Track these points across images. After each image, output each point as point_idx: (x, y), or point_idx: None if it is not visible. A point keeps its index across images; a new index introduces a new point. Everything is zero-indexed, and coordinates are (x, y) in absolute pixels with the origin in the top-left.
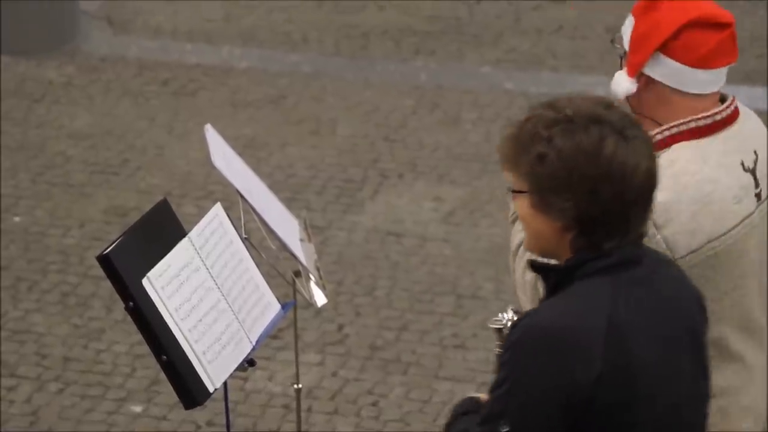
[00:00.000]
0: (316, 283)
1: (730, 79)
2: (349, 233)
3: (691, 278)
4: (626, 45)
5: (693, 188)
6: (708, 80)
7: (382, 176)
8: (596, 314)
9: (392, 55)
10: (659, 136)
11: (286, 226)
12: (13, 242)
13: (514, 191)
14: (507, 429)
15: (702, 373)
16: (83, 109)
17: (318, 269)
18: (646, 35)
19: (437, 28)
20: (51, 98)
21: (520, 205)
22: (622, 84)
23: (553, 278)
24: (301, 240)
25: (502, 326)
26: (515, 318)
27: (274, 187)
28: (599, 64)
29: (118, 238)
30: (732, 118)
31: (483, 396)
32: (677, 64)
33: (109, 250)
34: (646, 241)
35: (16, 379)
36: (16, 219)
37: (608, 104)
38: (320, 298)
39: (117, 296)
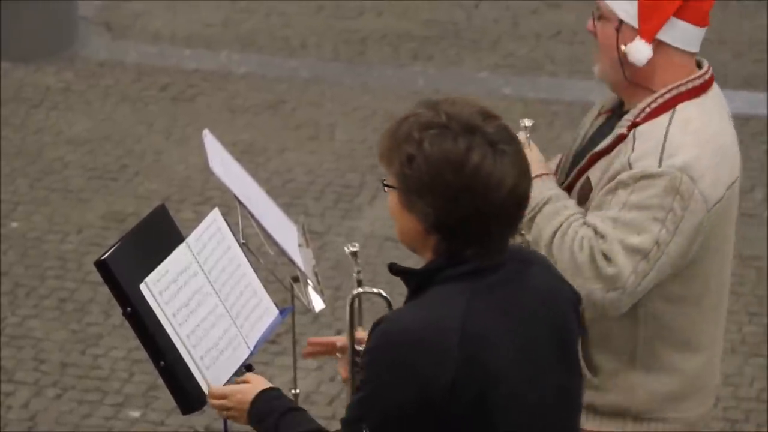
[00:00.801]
0: (314, 289)
1: (730, 84)
2: (348, 239)
3: (713, 227)
4: (624, 15)
5: (713, 141)
6: (702, 37)
7: (381, 181)
8: (451, 321)
9: (390, 61)
10: (660, 100)
11: (285, 232)
12: (11, 248)
13: (385, 185)
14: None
15: (570, 370)
16: (81, 114)
17: (316, 274)
18: (658, 2)
19: (435, 33)
20: (49, 104)
21: (391, 199)
22: (643, 52)
23: (413, 282)
24: (300, 245)
25: (357, 249)
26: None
27: (272, 192)
28: None
29: (115, 244)
30: (713, 78)
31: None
32: (689, 26)
33: (106, 255)
34: (685, 198)
35: (14, 385)
36: (14, 225)
37: (488, 115)
38: (318, 304)
39: (115, 302)
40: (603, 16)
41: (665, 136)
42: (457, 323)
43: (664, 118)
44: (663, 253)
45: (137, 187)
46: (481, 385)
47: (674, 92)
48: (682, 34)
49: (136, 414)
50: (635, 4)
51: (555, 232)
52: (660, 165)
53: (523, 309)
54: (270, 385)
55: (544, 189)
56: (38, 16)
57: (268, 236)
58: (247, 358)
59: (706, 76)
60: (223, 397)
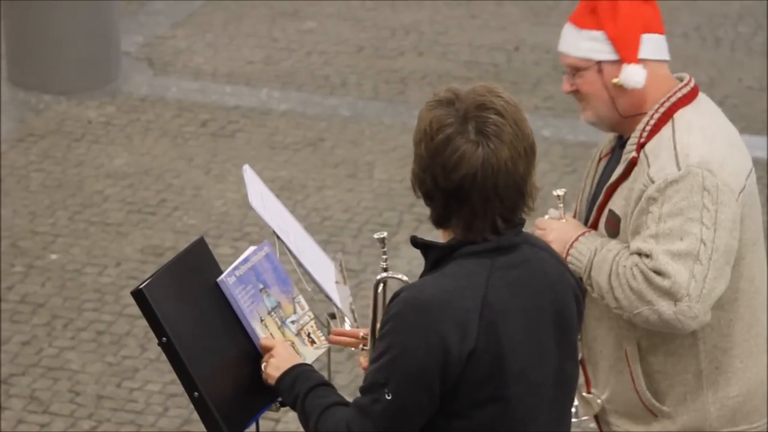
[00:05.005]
0: (351, 326)
1: None
2: None
3: (744, 218)
4: (598, 55)
5: (719, 135)
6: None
7: (418, 221)
8: (472, 294)
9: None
10: (656, 115)
11: (322, 269)
12: (49, 280)
13: None
14: (390, 397)
15: (567, 354)
16: (122, 148)
17: (353, 312)
18: (625, 27)
19: (475, 74)
20: (90, 137)
21: None
22: (638, 73)
23: (434, 255)
24: (337, 282)
25: (384, 236)
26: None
27: (310, 229)
28: None
29: (153, 274)
30: (698, 87)
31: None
32: (656, 36)
33: (143, 285)
34: (712, 192)
35: (49, 416)
36: (54, 257)
37: (491, 107)
38: None
39: (151, 335)
40: (578, 68)
41: (674, 143)
42: (479, 294)
43: (666, 129)
44: (712, 251)
45: (176, 222)
46: (497, 356)
47: (666, 104)
48: (654, 46)
49: None
50: (604, 40)
51: (609, 277)
52: (680, 168)
53: (533, 289)
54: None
55: (589, 245)
56: (81, 51)
57: (306, 272)
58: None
59: (692, 84)
60: (276, 345)
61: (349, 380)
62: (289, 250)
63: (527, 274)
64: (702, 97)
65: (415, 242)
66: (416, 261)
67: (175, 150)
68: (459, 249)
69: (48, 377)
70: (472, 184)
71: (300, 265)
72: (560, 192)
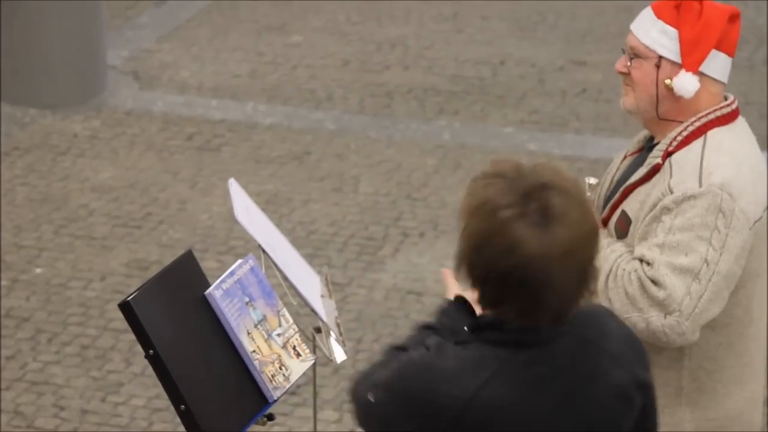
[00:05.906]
0: (336, 340)
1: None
2: (370, 291)
3: (753, 248)
4: (663, 51)
5: (747, 162)
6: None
7: (404, 234)
8: (466, 385)
9: (416, 114)
10: (691, 128)
11: (308, 282)
12: (34, 294)
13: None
14: (373, 401)
15: None
16: (107, 162)
17: (338, 326)
18: (700, 36)
19: (461, 88)
20: (76, 151)
21: None
22: (692, 83)
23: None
24: (322, 296)
25: None
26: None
27: (296, 243)
28: (623, 127)
29: (140, 287)
30: (739, 110)
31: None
32: (725, 57)
33: (131, 297)
34: (727, 215)
35: (33, 431)
36: (38, 271)
37: (553, 186)
38: (340, 355)
39: (136, 349)
40: (639, 54)
41: (701, 159)
42: (472, 388)
43: (696, 143)
44: (714, 273)
45: (161, 236)
46: None
47: (704, 120)
48: (720, 65)
49: None
50: (675, 39)
51: (607, 277)
52: (701, 185)
53: (559, 390)
54: None
55: None
56: (67, 65)
57: (292, 286)
58: (268, 408)
59: (733, 106)
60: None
61: (334, 394)
62: (275, 264)
63: (555, 372)
64: (740, 121)
65: (455, 300)
66: (402, 275)
67: (160, 164)
68: (479, 333)
69: (32, 392)
70: (526, 271)
71: (285, 278)
72: (593, 180)
